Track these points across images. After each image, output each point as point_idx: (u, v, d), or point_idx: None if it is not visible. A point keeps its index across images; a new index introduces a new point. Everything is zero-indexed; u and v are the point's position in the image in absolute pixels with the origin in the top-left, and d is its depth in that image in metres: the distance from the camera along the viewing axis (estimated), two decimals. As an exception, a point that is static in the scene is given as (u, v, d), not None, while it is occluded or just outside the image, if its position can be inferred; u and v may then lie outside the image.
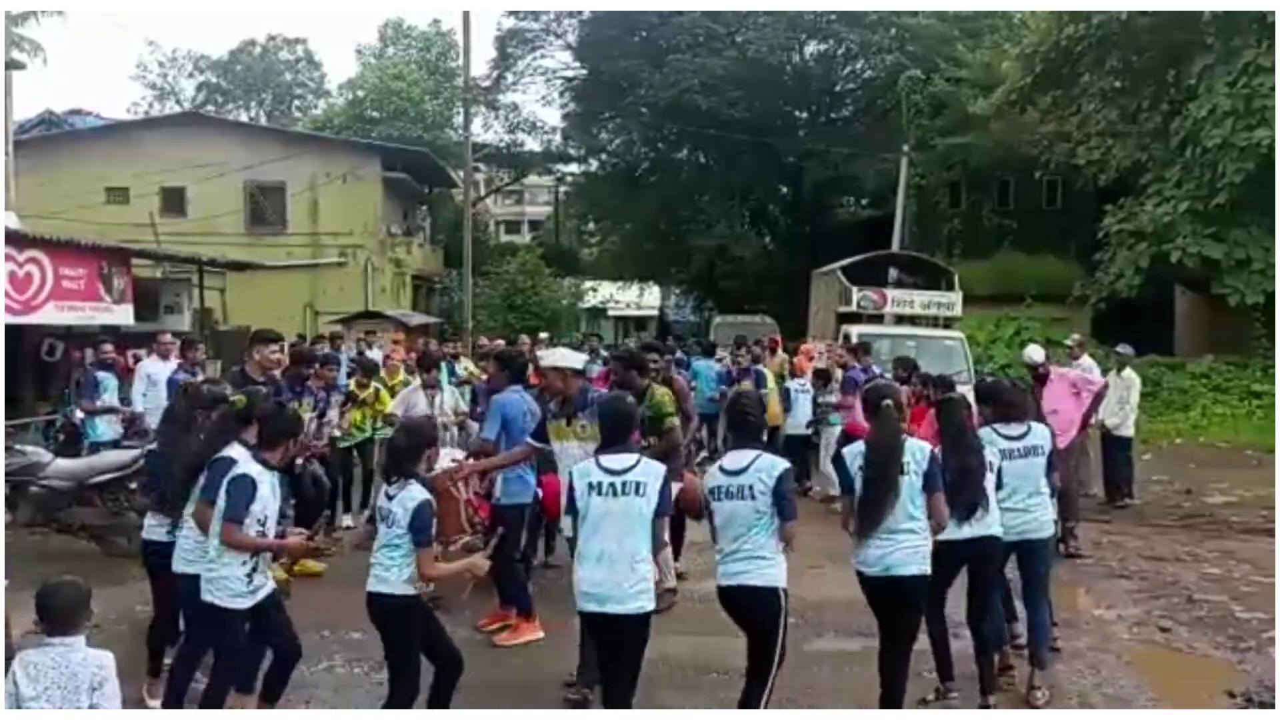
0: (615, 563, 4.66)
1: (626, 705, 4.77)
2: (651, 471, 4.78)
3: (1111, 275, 20.30)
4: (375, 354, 14.47)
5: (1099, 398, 9.87)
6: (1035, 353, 10.29)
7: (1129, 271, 19.83)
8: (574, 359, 6.60)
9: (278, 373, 8.05)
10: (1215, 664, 6.79)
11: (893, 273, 22.18)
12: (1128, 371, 12.06)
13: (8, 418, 11.69)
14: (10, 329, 13.33)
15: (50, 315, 13.69)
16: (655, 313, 52.62)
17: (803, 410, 12.77)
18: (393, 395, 10.52)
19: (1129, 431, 11.89)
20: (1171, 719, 5.99)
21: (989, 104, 24.08)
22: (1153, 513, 11.50)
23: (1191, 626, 7.46)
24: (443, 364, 11.30)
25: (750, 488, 4.83)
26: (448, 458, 7.37)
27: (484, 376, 10.46)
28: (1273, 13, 17.26)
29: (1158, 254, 19.30)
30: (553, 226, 51.57)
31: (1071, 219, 26.20)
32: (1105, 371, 12.37)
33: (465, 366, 13.65)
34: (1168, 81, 20.46)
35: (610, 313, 51.30)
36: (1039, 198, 29.07)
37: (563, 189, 48.03)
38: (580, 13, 37.72)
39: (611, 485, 4.73)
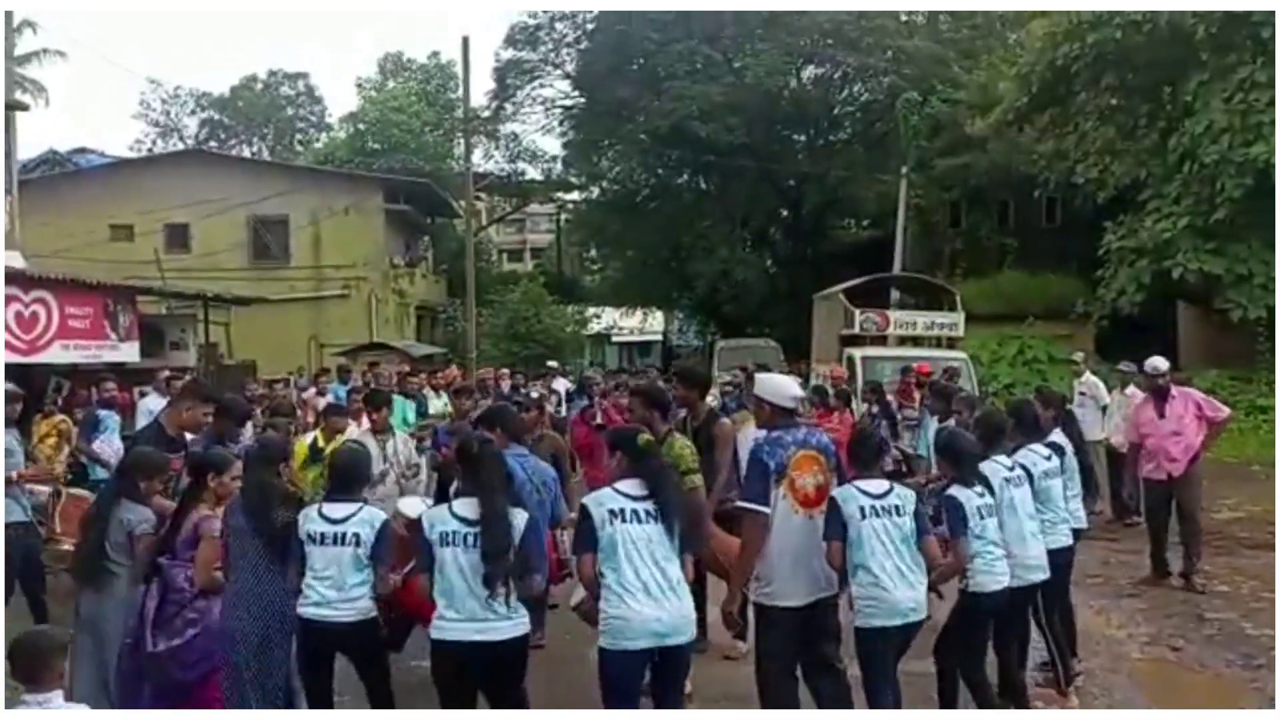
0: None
1: None
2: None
3: (1113, 292, 20.33)
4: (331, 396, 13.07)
5: (1218, 428, 9.45)
6: (1160, 362, 9.36)
7: (1130, 288, 19.85)
8: (786, 393, 5.39)
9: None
10: (1226, 682, 6.75)
11: (894, 294, 22.25)
12: (1131, 389, 12.01)
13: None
14: (17, 368, 13.39)
15: (56, 354, 13.78)
16: (659, 338, 52.71)
17: None
18: None
19: (1134, 448, 11.84)
20: (1171, 719, 5.95)
21: (986, 124, 24.18)
22: (1161, 530, 11.44)
23: (1202, 645, 7.43)
24: (398, 401, 10.08)
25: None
26: (418, 505, 6.40)
27: (452, 413, 9.52)
28: (1266, 26, 17.33)
29: (1159, 270, 19.33)
30: (555, 254, 51.77)
31: (1072, 236, 26.25)
32: (1110, 389, 12.38)
33: (446, 403, 12.10)
34: (1164, 99, 20.55)
35: (614, 339, 51.42)
36: (1039, 216, 29.16)
37: (564, 216, 48.27)
38: (578, 42, 38.10)
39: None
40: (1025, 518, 5.70)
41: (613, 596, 4.53)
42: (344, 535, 4.96)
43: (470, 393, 9.32)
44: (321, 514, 5.03)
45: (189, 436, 6.81)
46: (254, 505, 5.17)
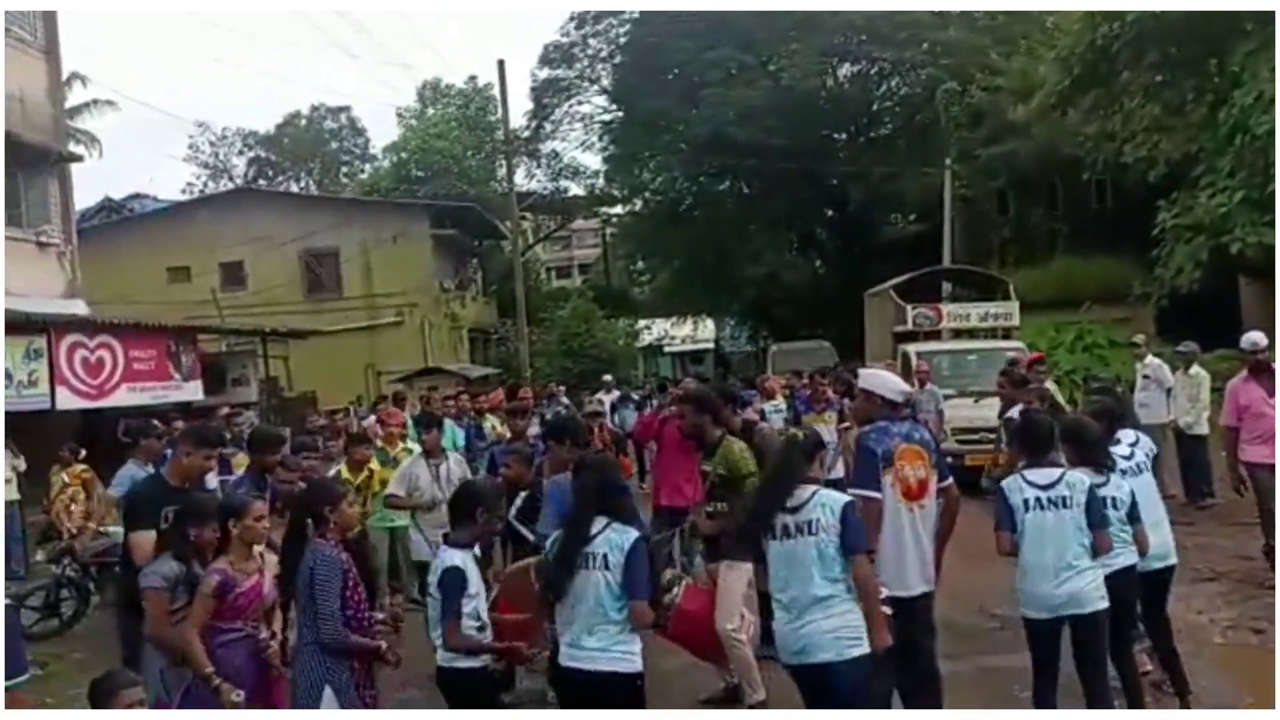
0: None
1: None
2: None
3: (1171, 271, 19.91)
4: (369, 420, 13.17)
5: None
6: (1259, 337, 8.80)
7: (1188, 266, 19.44)
8: (895, 386, 5.48)
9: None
10: (1314, 663, 6.58)
11: (946, 287, 22.03)
12: (1195, 368, 11.83)
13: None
14: (86, 413, 13.75)
15: (123, 398, 14.10)
16: (711, 346, 52.63)
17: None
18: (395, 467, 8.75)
19: (1204, 429, 11.62)
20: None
21: (1029, 110, 23.87)
22: (1237, 511, 11.14)
23: (1286, 626, 7.24)
24: (448, 424, 9.95)
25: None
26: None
27: (507, 435, 9.48)
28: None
29: (1216, 246, 18.93)
30: (602, 268, 51.96)
31: (1124, 217, 25.80)
32: (1174, 370, 12.17)
33: (493, 425, 12.12)
34: (1210, 72, 20.13)
35: (666, 349, 51.45)
36: (1089, 199, 28.72)
37: (609, 230, 48.45)
38: (613, 56, 38.32)
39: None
40: (1146, 507, 5.55)
41: (774, 610, 4.56)
42: (428, 583, 4.83)
43: (525, 413, 9.38)
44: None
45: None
46: (283, 550, 5.03)
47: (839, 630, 4.39)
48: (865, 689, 4.46)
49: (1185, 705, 5.76)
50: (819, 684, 4.46)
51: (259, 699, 4.77)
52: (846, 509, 4.47)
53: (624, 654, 4.37)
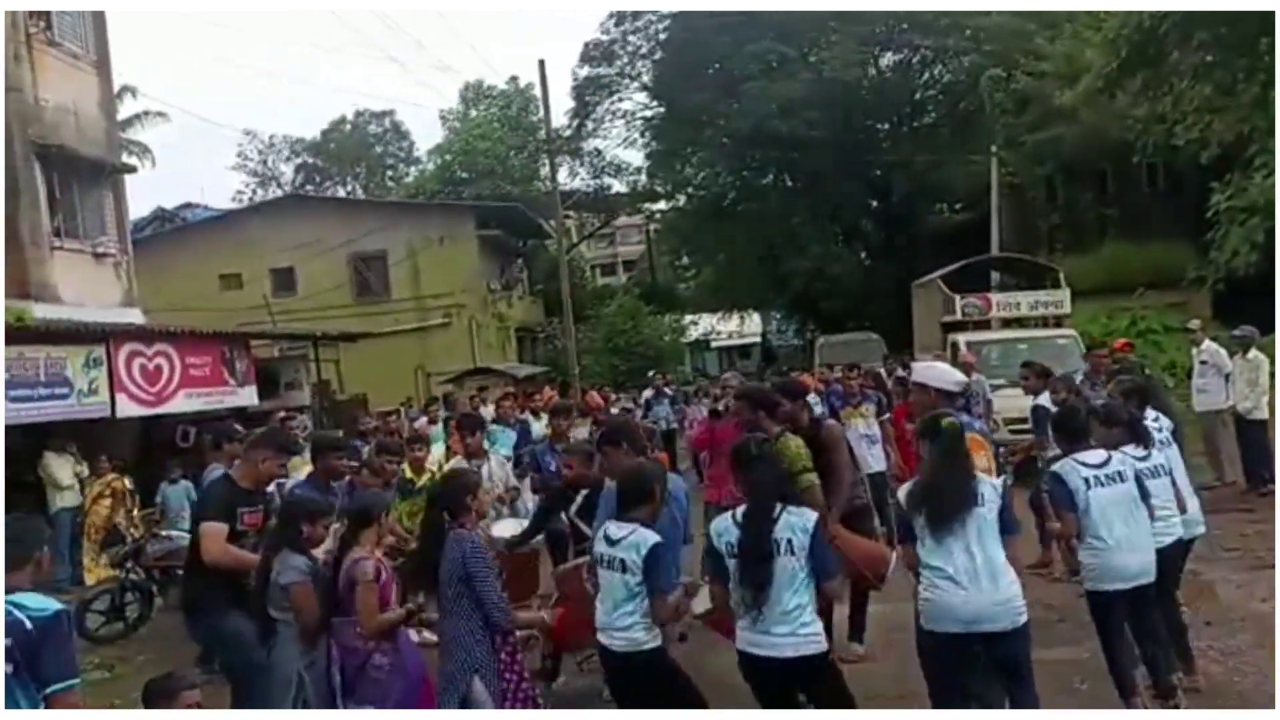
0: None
1: None
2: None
3: (1226, 254, 19.54)
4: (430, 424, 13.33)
5: None
6: None
7: (1243, 248, 19.07)
8: (950, 378, 5.70)
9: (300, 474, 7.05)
10: (1384, 651, 6.44)
11: (994, 276, 21.81)
12: (1253, 352, 11.62)
13: (143, 506, 12.31)
14: (147, 419, 14.04)
15: (180, 404, 14.34)
16: (758, 340, 52.51)
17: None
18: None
19: (1263, 414, 11.42)
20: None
21: (1075, 94, 23.51)
22: (1299, 497, 10.96)
23: (1353, 614, 7.09)
24: (492, 428, 10.00)
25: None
26: (513, 527, 6.74)
27: (549, 434, 9.44)
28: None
29: (1272, 227, 18.56)
30: (647, 265, 52.03)
31: (1176, 201, 25.37)
32: (1232, 355, 11.96)
33: (545, 425, 11.74)
34: (1261, 51, 19.73)
35: (713, 344, 51.42)
36: (1139, 183, 28.23)
37: (653, 227, 48.49)
38: (653, 52, 38.36)
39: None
40: (1178, 476, 5.77)
41: (937, 582, 4.65)
42: (614, 559, 4.67)
43: (568, 412, 9.38)
44: (605, 533, 4.79)
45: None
46: (421, 543, 5.07)
47: (1009, 602, 4.52)
48: (1029, 654, 4.65)
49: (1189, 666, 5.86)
50: (987, 650, 4.53)
51: (424, 690, 4.89)
52: (1005, 489, 4.68)
53: (809, 636, 4.37)
